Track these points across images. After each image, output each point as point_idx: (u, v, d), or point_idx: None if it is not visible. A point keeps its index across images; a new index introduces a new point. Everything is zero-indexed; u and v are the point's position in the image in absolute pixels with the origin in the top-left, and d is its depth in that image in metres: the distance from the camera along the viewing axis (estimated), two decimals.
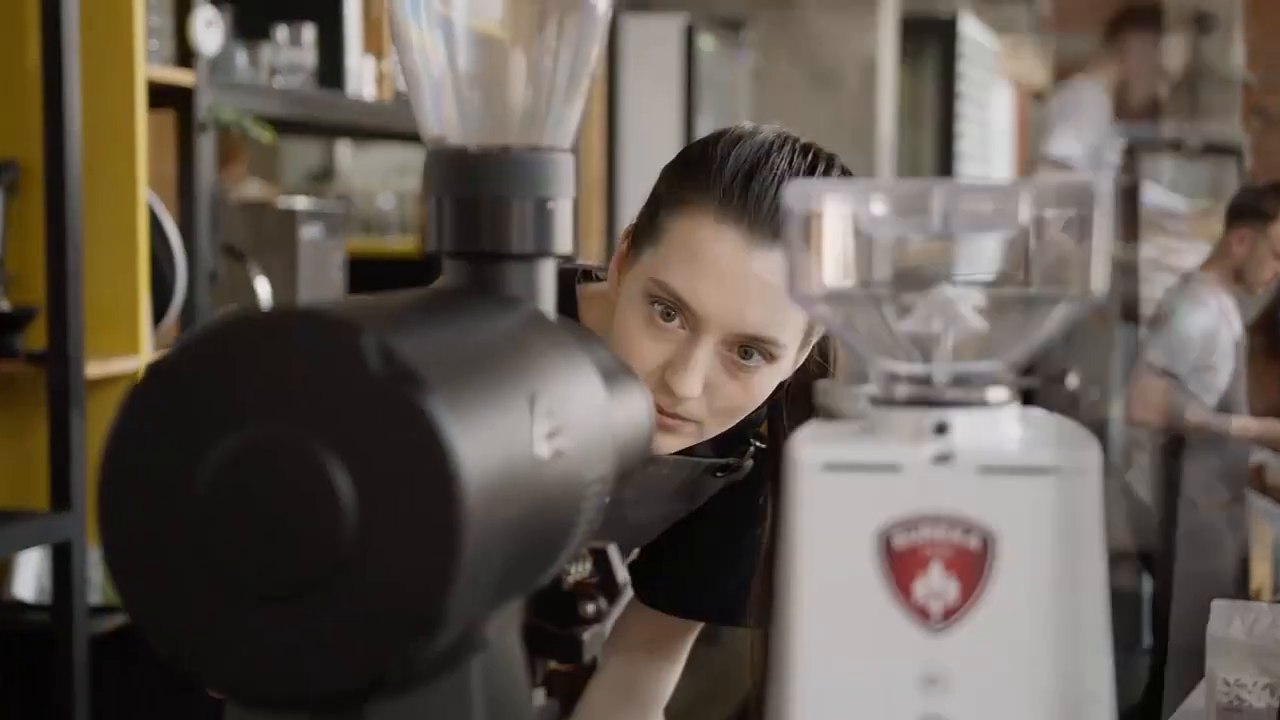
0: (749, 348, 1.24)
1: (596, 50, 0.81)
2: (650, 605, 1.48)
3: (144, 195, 2.45)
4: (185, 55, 2.61)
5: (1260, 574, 6.42)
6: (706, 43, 4.73)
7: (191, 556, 0.61)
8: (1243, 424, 4.24)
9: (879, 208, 0.69)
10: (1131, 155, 4.37)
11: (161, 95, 2.59)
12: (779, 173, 1.22)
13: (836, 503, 0.67)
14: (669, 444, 1.28)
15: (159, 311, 2.55)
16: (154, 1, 2.56)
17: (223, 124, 2.63)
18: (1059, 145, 4.11)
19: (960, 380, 0.69)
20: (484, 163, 0.77)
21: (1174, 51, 4.33)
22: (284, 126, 3.18)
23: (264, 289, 2.89)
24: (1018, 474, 0.66)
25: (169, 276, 2.53)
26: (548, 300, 0.79)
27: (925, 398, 0.69)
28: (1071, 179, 0.73)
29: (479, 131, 0.78)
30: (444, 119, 0.79)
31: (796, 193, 0.69)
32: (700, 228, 1.21)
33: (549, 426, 0.68)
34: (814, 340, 1.32)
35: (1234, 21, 9.21)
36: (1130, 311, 4.37)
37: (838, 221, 0.69)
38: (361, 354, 0.59)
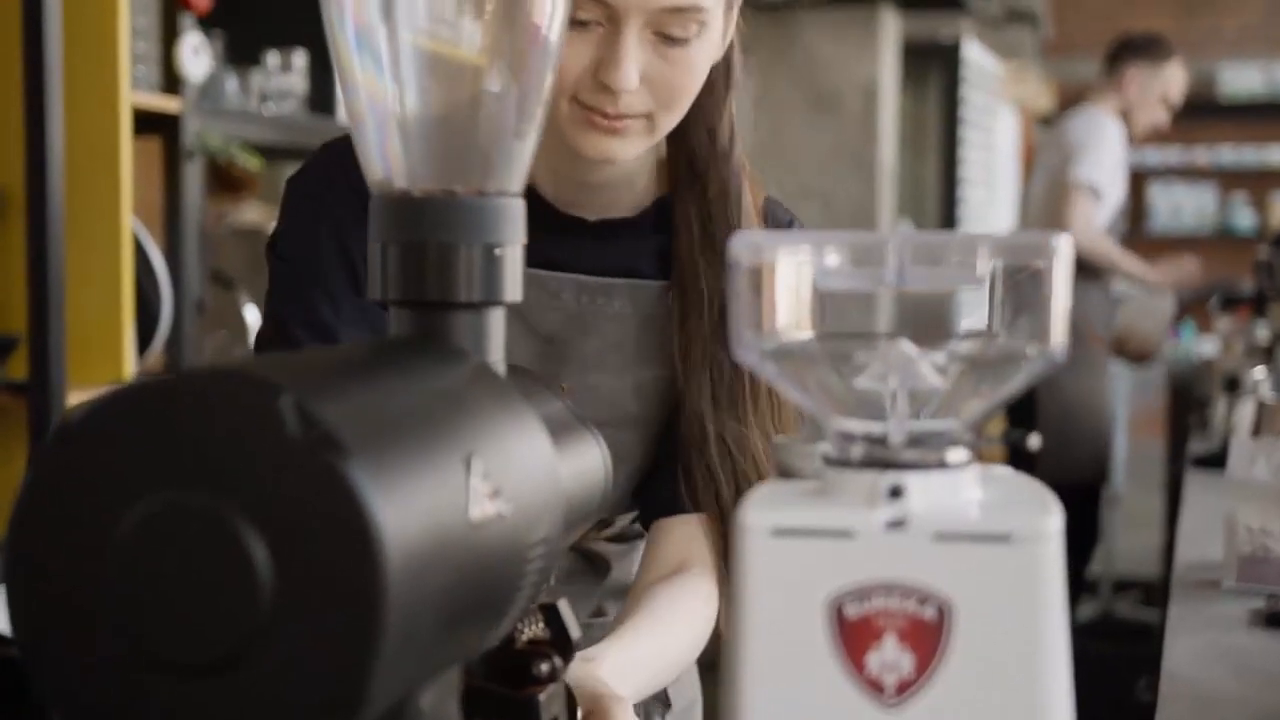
0: (672, 33, 1.20)
1: (548, 84, 0.79)
2: (652, 519, 1.36)
3: (128, 223, 2.43)
4: (173, 82, 2.59)
5: None
6: None
7: (103, 626, 0.58)
8: (1156, 272, 4.29)
9: (832, 259, 0.66)
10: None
11: (149, 122, 2.57)
12: None
13: (786, 570, 0.64)
14: (624, 148, 1.24)
15: (144, 340, 2.53)
16: (141, 28, 2.54)
17: (210, 151, 2.61)
18: (1090, 170, 4.11)
19: (918, 440, 0.66)
20: (429, 207, 0.74)
21: (1175, 79, 4.31)
22: (276, 152, 3.16)
23: (253, 316, 2.87)
24: (975, 541, 0.63)
25: (154, 305, 2.51)
26: (496, 350, 0.76)
27: (880, 459, 0.66)
28: (1030, 235, 0.69)
29: (425, 175, 0.76)
30: (389, 161, 0.76)
31: (744, 243, 0.66)
32: None
33: (487, 488, 0.65)
34: (737, 4, 1.29)
35: None
36: None
37: (789, 273, 0.66)
38: (279, 416, 0.56)
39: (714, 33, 1.24)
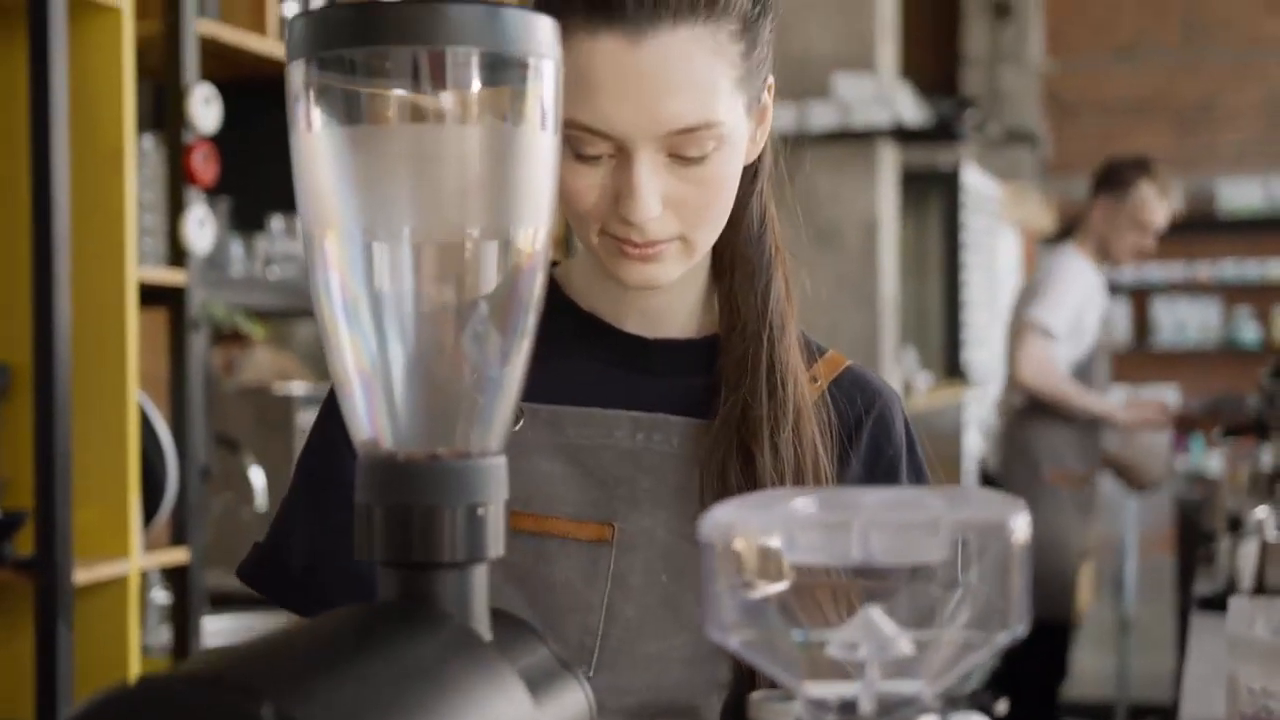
0: (688, 154, 1.14)
1: (527, 345, 0.81)
2: None
3: (134, 397, 2.46)
4: (178, 254, 2.63)
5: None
6: None
7: None
8: (1125, 410, 4.22)
9: (800, 536, 0.68)
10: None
11: (154, 293, 2.61)
12: None
13: None
14: (663, 272, 1.18)
15: (150, 511, 2.55)
16: (147, 202, 2.59)
17: (214, 320, 2.65)
18: (1042, 311, 4.14)
19: (888, 706, 0.68)
20: (413, 472, 0.77)
21: (1143, 202, 4.28)
22: (283, 314, 3.20)
23: (259, 479, 2.89)
24: None
25: (160, 475, 2.53)
26: (479, 606, 0.78)
27: None
28: (991, 516, 0.72)
29: (410, 437, 0.78)
30: (375, 424, 0.78)
31: (714, 523, 0.68)
32: (576, 47, 1.11)
33: None
34: (763, 93, 1.22)
35: (1031, 8, 9.35)
36: None
37: (760, 550, 0.68)
38: None
39: (737, 141, 1.18)
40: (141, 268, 2.52)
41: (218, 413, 2.92)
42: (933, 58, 9.43)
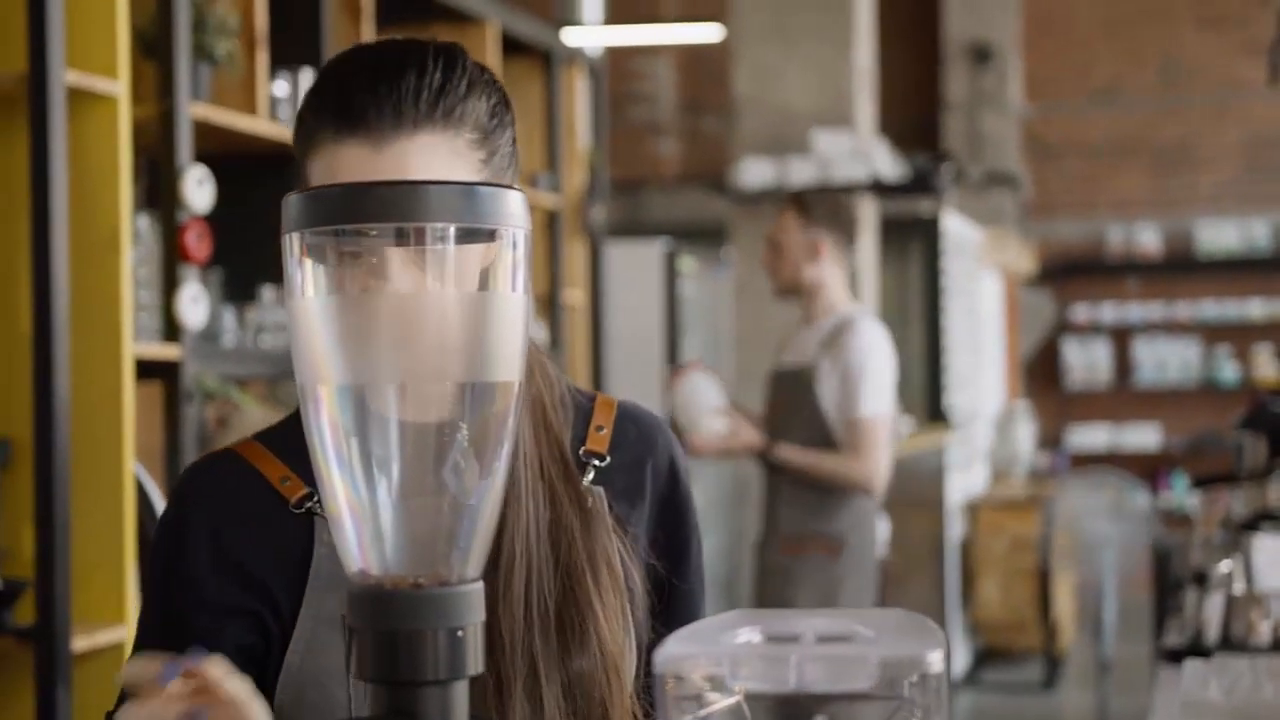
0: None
1: (501, 479, 0.90)
2: None
3: (130, 468, 2.54)
4: (173, 328, 2.71)
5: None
6: (687, 264, 4.86)
7: None
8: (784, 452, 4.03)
9: (743, 667, 0.76)
10: None
11: (150, 367, 2.69)
12: (370, 61, 1.20)
13: None
14: None
15: None
16: (143, 278, 2.67)
17: (207, 392, 2.73)
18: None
19: None
20: (399, 598, 0.85)
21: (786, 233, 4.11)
22: (274, 378, 3.29)
23: None
24: None
25: None
26: (460, 718, 0.86)
27: None
28: (912, 650, 0.80)
29: (396, 565, 0.87)
30: (365, 555, 0.87)
31: (665, 657, 0.76)
32: (327, 156, 1.19)
33: None
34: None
35: (1010, 53, 9.43)
36: None
37: (703, 678, 0.77)
38: None
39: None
40: (137, 343, 2.60)
41: None
42: (914, 103, 9.55)
